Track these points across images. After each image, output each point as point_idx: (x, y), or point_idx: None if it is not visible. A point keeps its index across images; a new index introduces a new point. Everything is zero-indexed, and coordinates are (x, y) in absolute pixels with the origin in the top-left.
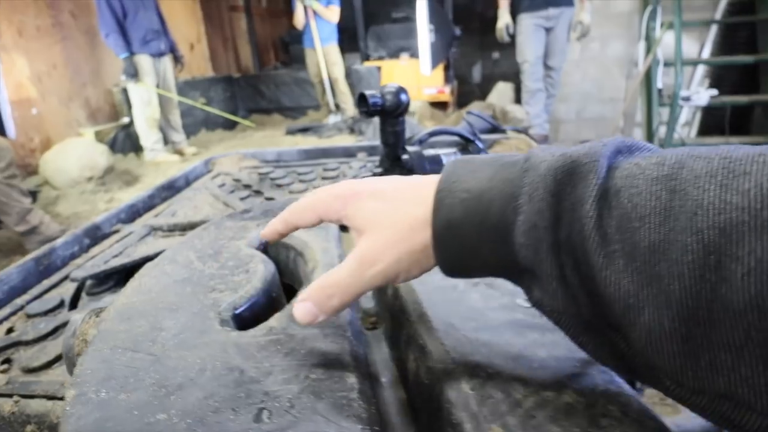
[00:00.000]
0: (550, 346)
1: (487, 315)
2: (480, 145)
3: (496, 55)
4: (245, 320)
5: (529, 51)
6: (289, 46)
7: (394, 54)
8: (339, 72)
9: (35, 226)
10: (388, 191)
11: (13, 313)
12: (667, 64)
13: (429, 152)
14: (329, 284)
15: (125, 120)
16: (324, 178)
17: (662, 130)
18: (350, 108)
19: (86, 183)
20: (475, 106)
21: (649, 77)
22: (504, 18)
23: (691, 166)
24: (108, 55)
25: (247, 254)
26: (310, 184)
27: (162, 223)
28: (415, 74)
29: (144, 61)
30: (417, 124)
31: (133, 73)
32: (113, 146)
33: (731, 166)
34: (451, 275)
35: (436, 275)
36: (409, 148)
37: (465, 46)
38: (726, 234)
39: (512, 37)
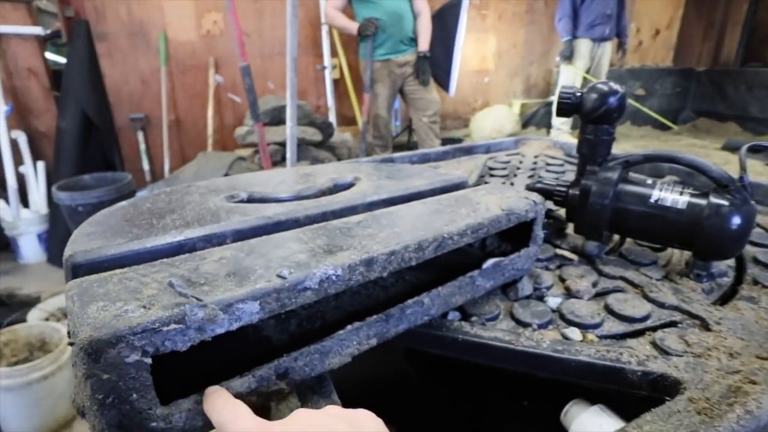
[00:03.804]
0: None
1: None
2: (738, 191)
3: None
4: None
5: None
6: None
7: None
8: None
9: None
10: None
11: None
12: None
13: (636, 184)
14: None
15: (551, 98)
16: None
17: None
18: None
19: None
20: None
21: None
22: None
23: None
24: (560, 38)
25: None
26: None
27: None
28: None
29: (582, 45)
30: None
31: (568, 56)
32: (531, 120)
33: None
34: None
35: None
36: (603, 168)
37: None
38: None
39: None
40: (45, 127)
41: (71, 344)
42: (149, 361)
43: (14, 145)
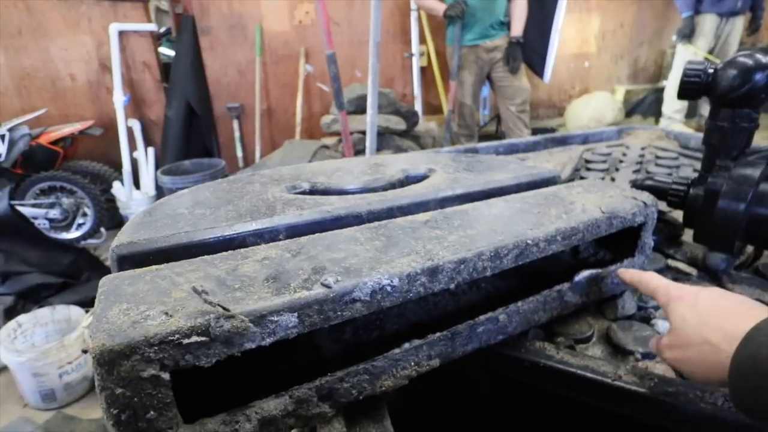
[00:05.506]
0: None
1: None
2: None
3: None
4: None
5: None
6: None
7: None
8: None
9: None
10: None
11: None
12: None
13: None
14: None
15: (663, 83)
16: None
17: None
18: None
19: None
20: None
21: None
22: None
23: None
24: (678, 14)
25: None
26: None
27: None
28: None
29: (707, 21)
30: None
31: (687, 34)
32: (637, 107)
33: None
34: (743, 410)
35: None
36: (740, 164)
37: None
38: None
39: None
40: (155, 116)
41: (84, 351)
42: (168, 377)
43: (130, 132)
